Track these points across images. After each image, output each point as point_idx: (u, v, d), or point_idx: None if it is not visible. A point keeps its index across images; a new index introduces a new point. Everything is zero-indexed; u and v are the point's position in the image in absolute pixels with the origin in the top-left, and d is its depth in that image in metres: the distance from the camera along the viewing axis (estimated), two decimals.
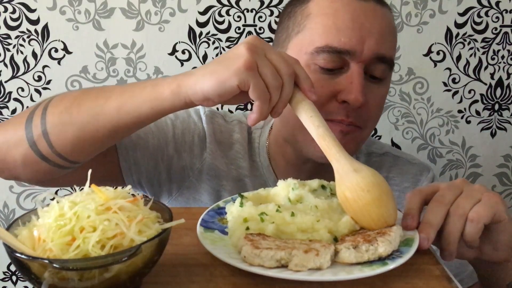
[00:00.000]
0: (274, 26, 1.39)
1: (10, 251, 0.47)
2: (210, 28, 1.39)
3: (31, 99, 1.41)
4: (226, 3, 1.37)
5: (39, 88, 1.41)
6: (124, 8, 1.36)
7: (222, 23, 1.39)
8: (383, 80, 0.85)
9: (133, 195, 0.53)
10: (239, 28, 1.39)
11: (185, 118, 0.94)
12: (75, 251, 0.46)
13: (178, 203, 0.95)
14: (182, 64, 1.41)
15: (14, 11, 1.35)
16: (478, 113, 1.50)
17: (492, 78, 1.47)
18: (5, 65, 1.38)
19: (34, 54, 1.38)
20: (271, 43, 0.81)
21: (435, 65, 1.45)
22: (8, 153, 0.75)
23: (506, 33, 1.44)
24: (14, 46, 1.37)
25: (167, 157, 0.91)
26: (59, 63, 1.39)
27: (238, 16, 1.39)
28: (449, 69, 1.46)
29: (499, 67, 1.47)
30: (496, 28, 1.43)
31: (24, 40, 1.37)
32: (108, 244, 0.47)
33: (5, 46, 1.37)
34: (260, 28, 1.40)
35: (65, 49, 1.38)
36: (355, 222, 0.61)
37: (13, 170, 0.77)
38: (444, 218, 0.64)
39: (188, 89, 0.66)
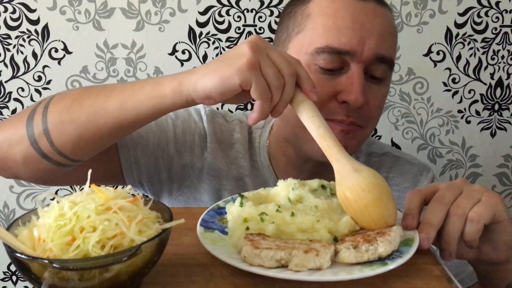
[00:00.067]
0: (274, 26, 1.39)
1: (10, 251, 0.47)
2: (210, 28, 1.39)
3: (31, 99, 1.41)
4: (226, 3, 1.37)
5: (39, 88, 1.41)
6: (124, 8, 1.36)
7: (222, 23, 1.39)
8: (383, 80, 0.85)
9: (133, 195, 0.53)
10: (239, 28, 1.39)
11: (185, 118, 0.94)
12: (75, 251, 0.46)
13: (178, 202, 0.95)
14: (182, 64, 1.41)
15: (14, 11, 1.35)
16: (478, 113, 1.50)
17: (492, 78, 1.47)
18: (5, 65, 1.38)
19: (34, 54, 1.38)
20: (271, 43, 0.81)
21: (435, 65, 1.45)
22: (9, 151, 0.75)
23: (506, 33, 1.44)
24: (14, 46, 1.37)
25: (167, 156, 0.91)
26: (59, 63, 1.39)
27: (238, 16, 1.39)
28: (449, 69, 1.46)
29: (499, 67, 1.47)
30: (496, 28, 1.43)
31: (24, 40, 1.37)
32: (108, 244, 0.47)
33: (5, 46, 1.37)
34: (260, 28, 1.40)
35: (65, 49, 1.38)
36: (355, 222, 0.61)
37: (14, 168, 0.77)
38: (444, 218, 0.64)
39: (190, 87, 0.66)
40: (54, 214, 0.49)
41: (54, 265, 0.44)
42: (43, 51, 1.38)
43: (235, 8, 1.38)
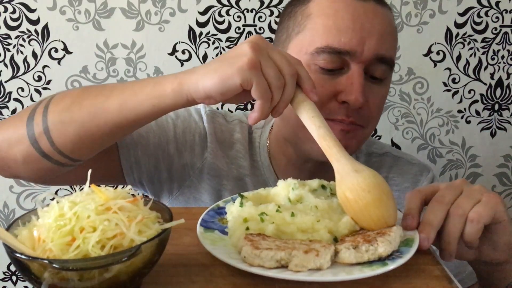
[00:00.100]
0: (274, 26, 1.39)
1: (10, 251, 0.47)
2: (210, 28, 1.39)
3: (31, 99, 1.41)
4: (226, 3, 1.37)
5: (39, 88, 1.41)
6: (124, 8, 1.36)
7: (222, 23, 1.39)
8: (383, 81, 0.85)
9: (133, 195, 0.53)
10: (239, 28, 1.39)
11: (186, 118, 0.94)
12: (75, 251, 0.46)
13: (178, 202, 0.95)
14: (182, 64, 1.41)
15: (14, 11, 1.35)
16: (478, 113, 1.50)
17: (492, 78, 1.47)
18: (5, 65, 1.38)
19: (34, 54, 1.38)
20: (271, 43, 0.81)
21: (435, 65, 1.45)
22: (9, 151, 0.75)
23: (506, 33, 1.44)
24: (14, 46, 1.37)
25: (168, 156, 0.91)
26: (59, 63, 1.39)
27: (238, 16, 1.39)
28: (449, 69, 1.46)
29: (499, 67, 1.47)
30: (496, 28, 1.43)
31: (24, 40, 1.37)
32: (108, 244, 0.47)
33: (5, 46, 1.37)
34: (260, 28, 1.40)
35: (65, 49, 1.38)
36: (355, 223, 0.61)
37: (14, 168, 0.77)
38: (444, 218, 0.64)
39: (190, 87, 0.66)
40: (54, 214, 0.49)
41: (54, 265, 0.44)
42: (43, 51, 1.38)
43: (235, 8, 1.38)
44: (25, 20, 1.35)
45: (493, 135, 1.53)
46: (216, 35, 1.40)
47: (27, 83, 1.40)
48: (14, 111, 1.42)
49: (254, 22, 1.39)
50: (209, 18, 1.38)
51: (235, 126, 0.97)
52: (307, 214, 0.60)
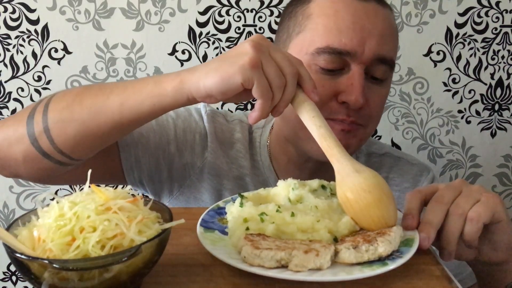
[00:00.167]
0: (274, 26, 1.39)
1: (10, 251, 0.47)
2: (210, 28, 1.39)
3: (31, 99, 1.41)
4: (226, 3, 1.37)
5: (39, 88, 1.41)
6: (124, 8, 1.36)
7: (222, 23, 1.39)
8: (384, 81, 0.85)
9: (133, 195, 0.53)
10: (239, 28, 1.39)
11: (186, 117, 0.94)
12: (75, 251, 0.46)
13: (179, 202, 0.95)
14: (182, 64, 1.41)
15: (14, 11, 1.35)
16: (478, 113, 1.50)
17: (492, 78, 1.47)
18: (5, 65, 1.38)
19: (34, 54, 1.38)
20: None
21: (435, 65, 1.45)
22: (9, 150, 0.75)
23: (506, 33, 1.44)
24: (14, 46, 1.37)
25: (168, 155, 0.91)
26: (59, 63, 1.39)
27: (238, 16, 1.39)
28: (449, 69, 1.46)
29: (499, 67, 1.47)
30: (496, 28, 1.43)
31: (24, 40, 1.37)
32: (108, 244, 0.47)
33: (5, 46, 1.37)
34: (260, 28, 1.40)
35: (65, 49, 1.38)
36: (355, 223, 0.61)
37: (14, 167, 0.77)
38: (444, 218, 0.64)
39: (191, 86, 0.66)
40: (54, 214, 0.49)
41: (54, 265, 0.44)
42: (43, 51, 1.38)
43: (235, 8, 1.38)
44: (25, 20, 1.35)
45: (493, 135, 1.53)
46: (216, 35, 1.40)
47: (27, 83, 1.40)
48: (14, 111, 1.42)
49: (254, 22, 1.39)
50: (209, 18, 1.38)
51: (236, 126, 0.97)
52: (307, 214, 0.60)
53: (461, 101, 1.49)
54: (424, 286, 0.55)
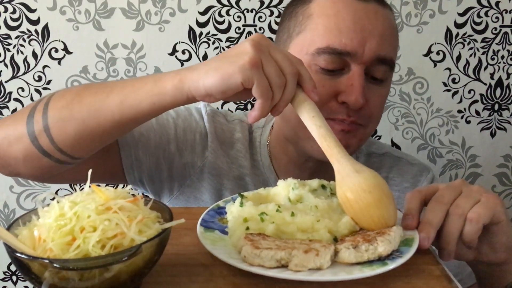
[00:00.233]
0: (274, 26, 1.39)
1: (11, 251, 0.47)
2: (210, 28, 1.39)
3: (31, 99, 1.41)
4: (226, 3, 1.37)
5: (39, 88, 1.41)
6: (124, 8, 1.36)
7: (222, 23, 1.39)
8: (384, 81, 0.85)
9: (133, 195, 0.53)
10: (239, 28, 1.40)
11: (186, 117, 0.94)
12: (75, 251, 0.46)
13: (179, 201, 0.95)
14: (182, 64, 1.41)
15: (14, 11, 1.35)
16: (478, 113, 1.50)
17: (492, 78, 1.47)
18: (5, 65, 1.38)
19: (34, 54, 1.38)
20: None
21: (435, 65, 1.45)
22: (9, 149, 0.75)
23: (506, 33, 1.44)
24: (14, 46, 1.37)
25: (168, 155, 0.91)
26: (59, 63, 1.39)
27: (238, 16, 1.39)
28: (449, 69, 1.46)
29: (499, 67, 1.47)
30: (496, 28, 1.43)
31: (24, 40, 1.37)
32: (108, 244, 0.47)
33: (5, 46, 1.37)
34: (260, 28, 1.40)
35: (65, 49, 1.38)
36: (355, 223, 0.61)
37: (14, 166, 0.77)
38: (444, 218, 0.64)
39: (191, 85, 0.65)
40: (54, 214, 0.49)
41: (55, 265, 0.44)
42: (43, 51, 1.38)
43: (235, 8, 1.38)
44: (25, 20, 1.35)
45: (493, 135, 1.53)
46: (216, 35, 1.40)
47: (27, 83, 1.40)
48: (14, 111, 1.42)
49: (254, 22, 1.39)
50: (209, 18, 1.38)
51: (236, 126, 0.97)
52: (307, 214, 0.60)
53: (461, 101, 1.49)
54: (424, 286, 0.55)
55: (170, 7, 1.37)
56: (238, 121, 0.98)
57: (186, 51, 1.40)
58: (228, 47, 1.40)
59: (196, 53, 1.41)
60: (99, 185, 0.53)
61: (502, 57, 1.46)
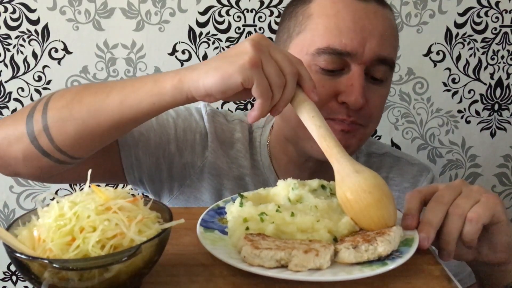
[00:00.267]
0: (274, 26, 1.39)
1: (10, 251, 0.47)
2: (210, 28, 1.39)
3: (31, 99, 1.41)
4: (226, 3, 1.37)
5: (39, 88, 1.41)
6: (124, 8, 1.36)
7: (222, 23, 1.39)
8: (384, 81, 0.85)
9: (133, 195, 0.53)
10: (239, 28, 1.40)
11: (186, 117, 0.94)
12: (75, 251, 0.46)
13: (179, 201, 0.95)
14: (182, 64, 1.41)
15: (14, 11, 1.35)
16: (477, 113, 1.50)
17: (491, 78, 1.47)
18: (5, 65, 1.38)
19: (34, 54, 1.38)
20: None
21: (435, 65, 1.45)
22: (9, 149, 0.75)
23: (505, 33, 1.44)
24: (14, 46, 1.37)
25: (168, 155, 0.91)
26: (59, 63, 1.39)
27: (238, 16, 1.39)
28: (449, 69, 1.46)
29: (499, 67, 1.47)
30: (495, 28, 1.43)
31: (24, 40, 1.37)
32: (108, 244, 0.47)
33: (5, 46, 1.37)
34: (260, 28, 1.40)
35: (65, 49, 1.38)
36: (355, 223, 0.61)
37: (14, 166, 0.77)
38: (443, 218, 0.64)
39: (191, 85, 0.65)
40: (54, 214, 0.49)
41: (54, 265, 0.44)
42: (43, 51, 1.38)
43: (235, 8, 1.38)
44: (25, 20, 1.35)
45: (493, 135, 1.53)
46: (216, 35, 1.40)
47: (27, 83, 1.40)
48: (14, 111, 1.42)
49: (254, 22, 1.39)
50: (209, 18, 1.38)
51: (236, 126, 0.97)
52: (307, 214, 0.60)
53: (460, 101, 1.49)
54: (424, 286, 0.55)
55: (170, 7, 1.37)
56: (238, 121, 0.98)
57: (186, 51, 1.40)
58: (228, 47, 1.40)
59: (196, 53, 1.41)
60: (99, 185, 0.53)
61: (502, 57, 1.46)
